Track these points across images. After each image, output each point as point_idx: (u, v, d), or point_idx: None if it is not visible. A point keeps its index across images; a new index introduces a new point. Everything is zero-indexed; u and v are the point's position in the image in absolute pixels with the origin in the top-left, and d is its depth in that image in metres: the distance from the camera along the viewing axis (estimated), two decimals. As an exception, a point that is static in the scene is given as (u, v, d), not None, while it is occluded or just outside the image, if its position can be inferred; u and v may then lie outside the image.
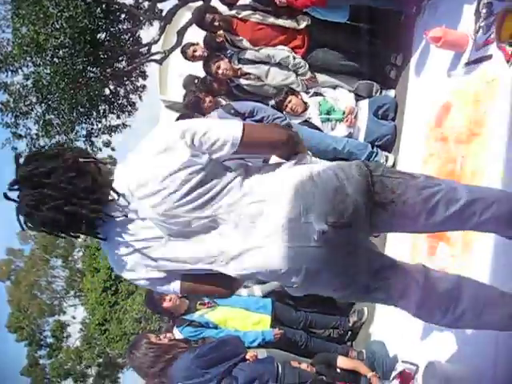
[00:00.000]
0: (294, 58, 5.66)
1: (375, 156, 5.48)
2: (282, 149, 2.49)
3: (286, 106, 5.60)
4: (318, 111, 5.66)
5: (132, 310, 23.55)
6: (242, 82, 5.80)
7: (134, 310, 23.33)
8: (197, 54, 5.97)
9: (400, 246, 4.28)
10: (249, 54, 5.70)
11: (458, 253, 3.64)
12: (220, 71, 5.64)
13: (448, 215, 2.33)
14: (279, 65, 5.70)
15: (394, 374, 4.21)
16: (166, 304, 5.21)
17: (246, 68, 5.75)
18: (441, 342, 3.49)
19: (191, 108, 5.64)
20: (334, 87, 5.86)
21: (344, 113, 5.63)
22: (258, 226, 2.27)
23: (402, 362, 4.16)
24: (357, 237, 2.31)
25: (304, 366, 4.52)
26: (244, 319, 5.26)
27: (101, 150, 13.91)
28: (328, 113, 5.66)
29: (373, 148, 5.52)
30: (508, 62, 3.51)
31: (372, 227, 2.36)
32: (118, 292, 24.76)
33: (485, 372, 3.20)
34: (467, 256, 3.53)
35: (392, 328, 4.43)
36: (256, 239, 2.27)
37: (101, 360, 29.42)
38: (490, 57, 3.79)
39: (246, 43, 5.69)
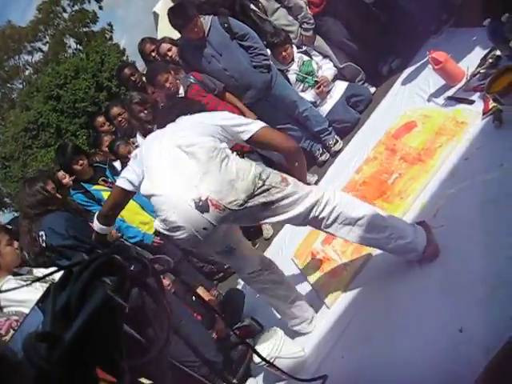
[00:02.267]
0: (307, 10, 5.57)
1: (327, 134, 5.55)
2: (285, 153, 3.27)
3: (281, 52, 5.57)
4: (298, 68, 5.66)
5: (41, 160, 23.16)
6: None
7: (43, 161, 22.96)
8: None
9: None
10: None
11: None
12: None
13: None
14: (289, 9, 5.61)
15: (239, 324, 4.34)
16: (75, 166, 5.18)
17: (268, 4, 5.64)
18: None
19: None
20: (324, 56, 5.82)
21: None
22: None
23: (251, 318, 4.29)
24: None
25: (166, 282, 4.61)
26: (135, 214, 5.26)
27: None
28: (307, 74, 5.65)
29: (329, 128, 5.57)
30: (484, 114, 3.57)
31: None
32: (37, 138, 24.26)
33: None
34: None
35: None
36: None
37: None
38: (471, 102, 3.84)
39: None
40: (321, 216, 3.05)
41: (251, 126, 3.15)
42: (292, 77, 5.67)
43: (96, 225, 3.40)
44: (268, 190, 2.92)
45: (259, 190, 2.91)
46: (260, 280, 3.54)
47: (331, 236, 4.03)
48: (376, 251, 3.51)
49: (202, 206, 2.81)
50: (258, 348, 3.52)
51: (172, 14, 5.18)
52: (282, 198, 2.96)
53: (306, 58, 5.73)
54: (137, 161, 3.17)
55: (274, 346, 3.39)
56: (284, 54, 5.61)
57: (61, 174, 5.86)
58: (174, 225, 2.90)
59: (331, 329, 3.49)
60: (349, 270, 3.71)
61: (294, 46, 5.72)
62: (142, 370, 0.90)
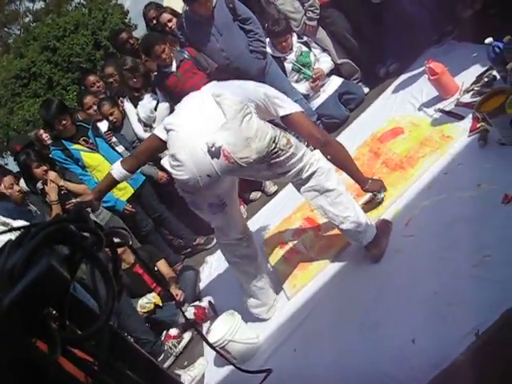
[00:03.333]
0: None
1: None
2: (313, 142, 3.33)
3: (281, 41, 5.55)
4: (295, 58, 5.65)
5: (28, 109, 22.92)
6: None
7: (30, 111, 22.72)
8: None
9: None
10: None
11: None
12: None
13: None
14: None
15: (196, 303, 4.36)
16: (57, 126, 5.14)
17: None
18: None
19: None
20: (324, 50, 5.81)
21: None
22: None
23: (209, 301, 4.32)
24: None
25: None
26: None
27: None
28: (303, 65, 5.63)
29: (317, 121, 5.57)
30: (470, 131, 3.58)
31: None
32: (27, 87, 23.98)
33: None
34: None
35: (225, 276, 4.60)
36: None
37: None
38: (461, 118, 3.85)
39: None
40: (301, 176, 3.22)
41: (291, 106, 3.24)
42: (288, 66, 5.65)
43: (117, 169, 3.34)
44: (277, 152, 3.04)
45: (271, 154, 3.03)
46: (236, 251, 3.62)
47: (302, 229, 4.08)
48: (343, 251, 3.55)
49: (214, 152, 2.90)
50: (214, 329, 3.56)
51: None
52: (284, 160, 3.10)
53: (304, 48, 5.71)
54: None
55: (229, 329, 3.42)
56: (284, 43, 5.58)
57: (41, 132, 5.82)
58: (180, 163, 2.97)
59: (288, 320, 3.53)
60: (314, 265, 3.73)
61: (294, 34, 5.69)
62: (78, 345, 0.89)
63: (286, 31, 5.54)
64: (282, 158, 3.08)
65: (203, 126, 2.96)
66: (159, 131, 3.22)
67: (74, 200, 3.57)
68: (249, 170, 3.08)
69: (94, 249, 0.88)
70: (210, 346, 1.38)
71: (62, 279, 0.78)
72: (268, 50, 5.53)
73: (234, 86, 3.17)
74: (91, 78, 6.34)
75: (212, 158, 2.91)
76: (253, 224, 5.01)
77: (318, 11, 5.59)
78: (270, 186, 5.58)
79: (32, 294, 0.75)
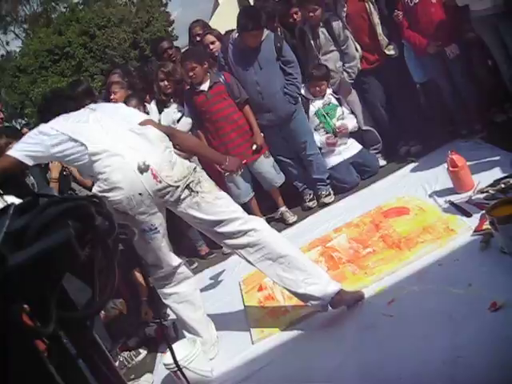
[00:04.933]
0: (358, 63, 5.61)
1: (322, 185, 5.55)
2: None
3: (315, 85, 5.58)
4: (322, 105, 5.69)
5: (50, 86, 23.00)
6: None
7: (51, 88, 22.81)
8: None
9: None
10: (336, 27, 5.53)
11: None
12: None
13: None
14: (343, 53, 5.60)
15: (159, 320, 4.30)
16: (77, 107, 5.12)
17: (325, 43, 5.62)
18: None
19: None
20: (352, 112, 5.85)
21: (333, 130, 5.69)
22: None
23: (174, 322, 4.25)
24: None
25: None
26: None
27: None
28: (327, 114, 5.67)
29: (327, 179, 5.58)
30: (475, 231, 3.58)
31: None
32: (57, 64, 24.14)
33: None
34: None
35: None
36: None
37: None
38: (469, 215, 3.85)
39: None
40: (243, 241, 3.37)
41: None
42: (313, 109, 5.68)
43: None
44: (198, 180, 3.37)
45: (191, 177, 3.35)
46: (172, 282, 3.62)
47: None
48: (318, 312, 3.51)
49: (143, 168, 3.19)
50: (169, 353, 3.49)
51: (245, 14, 5.18)
52: (207, 195, 3.37)
53: (334, 101, 5.75)
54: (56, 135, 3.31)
55: (186, 355, 3.36)
56: (318, 88, 5.63)
57: None
58: (114, 185, 3.18)
59: (246, 363, 3.47)
60: (287, 317, 3.69)
61: (330, 86, 5.74)
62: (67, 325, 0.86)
63: (324, 77, 5.59)
64: (205, 190, 3.38)
65: (131, 150, 3.24)
66: (23, 157, 3.29)
67: None
68: (174, 198, 3.33)
69: (105, 235, 0.86)
70: (176, 363, 1.34)
71: (75, 255, 0.76)
72: (302, 90, 5.57)
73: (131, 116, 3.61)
74: (113, 78, 6.40)
75: (141, 173, 3.19)
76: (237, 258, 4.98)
77: (354, 75, 5.64)
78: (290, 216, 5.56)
79: (42, 261, 0.73)
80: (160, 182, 3.23)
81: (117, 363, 4.13)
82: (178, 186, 3.29)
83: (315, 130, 5.70)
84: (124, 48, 24.32)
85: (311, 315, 3.58)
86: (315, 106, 5.69)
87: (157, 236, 3.41)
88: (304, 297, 3.37)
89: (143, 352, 4.28)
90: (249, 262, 3.45)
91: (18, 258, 0.73)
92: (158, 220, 3.41)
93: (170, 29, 27.32)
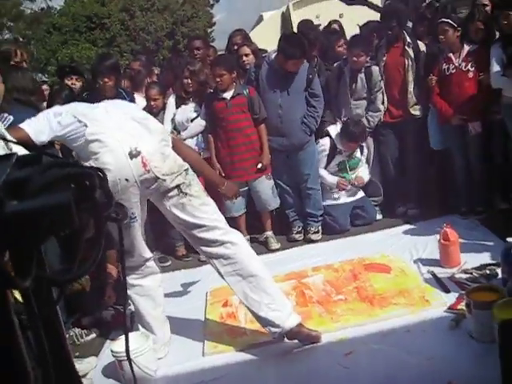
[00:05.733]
0: (381, 115, 5.64)
1: (314, 221, 5.53)
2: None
3: (352, 142, 5.56)
4: (347, 157, 5.69)
5: (78, 51, 23.04)
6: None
7: (79, 53, 22.88)
8: None
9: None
10: (375, 76, 5.56)
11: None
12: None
13: None
14: (370, 101, 5.65)
15: (120, 307, 4.27)
16: (99, 80, 5.14)
17: (361, 89, 5.65)
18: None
19: None
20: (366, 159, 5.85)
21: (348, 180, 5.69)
22: None
23: (133, 312, 4.21)
24: None
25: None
26: None
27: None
28: (350, 169, 5.70)
29: (319, 217, 5.57)
30: (449, 308, 3.59)
31: None
32: (91, 31, 24.19)
33: None
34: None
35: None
36: None
37: None
38: (447, 291, 3.87)
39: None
40: (219, 251, 3.38)
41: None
42: (338, 158, 5.67)
43: None
44: (188, 181, 3.38)
45: (180, 177, 3.36)
46: (134, 277, 3.60)
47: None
48: (276, 343, 3.49)
49: (134, 154, 3.21)
50: (119, 341, 3.46)
51: (291, 42, 5.18)
52: (195, 206, 3.37)
53: (358, 154, 5.73)
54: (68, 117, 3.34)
55: (135, 349, 3.32)
56: (350, 145, 5.58)
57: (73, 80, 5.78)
58: (103, 165, 3.11)
59: (191, 374, 3.44)
60: (244, 339, 3.68)
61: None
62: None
63: (361, 136, 5.56)
64: (193, 193, 3.38)
65: (128, 137, 3.28)
66: (35, 134, 3.30)
67: None
68: (160, 192, 3.36)
69: (102, 208, 0.86)
70: (127, 353, 1.30)
71: (72, 221, 0.75)
72: (337, 142, 5.57)
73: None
74: (135, 64, 6.45)
75: (131, 158, 3.21)
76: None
77: (374, 125, 5.65)
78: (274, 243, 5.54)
79: (38, 216, 0.72)
80: (148, 171, 3.25)
81: (67, 336, 4.09)
82: (164, 180, 3.30)
83: (331, 173, 5.69)
84: (159, 35, 24.38)
85: (267, 344, 3.56)
86: (342, 156, 5.67)
87: (134, 225, 3.42)
88: (264, 321, 3.39)
89: (94, 333, 4.23)
90: (219, 273, 3.45)
91: (16, 206, 0.72)
92: (138, 210, 3.41)
93: (209, 30, 27.43)
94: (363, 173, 5.75)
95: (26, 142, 3.27)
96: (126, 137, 3.26)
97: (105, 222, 0.93)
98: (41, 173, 0.78)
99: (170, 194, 3.36)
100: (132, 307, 4.26)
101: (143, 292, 3.64)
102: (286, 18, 19.96)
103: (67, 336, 4.05)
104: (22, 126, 3.32)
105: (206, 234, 3.38)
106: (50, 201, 0.73)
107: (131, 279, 3.59)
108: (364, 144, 5.76)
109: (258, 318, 3.42)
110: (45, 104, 4.92)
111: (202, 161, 4.13)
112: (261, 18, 23.01)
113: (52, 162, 0.85)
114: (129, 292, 3.63)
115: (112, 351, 3.40)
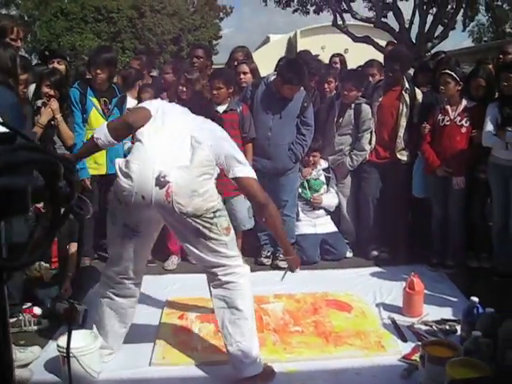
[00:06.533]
0: (366, 154, 5.66)
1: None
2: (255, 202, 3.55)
3: (307, 157, 5.65)
4: (308, 177, 5.75)
5: (81, 39, 23.00)
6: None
7: (82, 42, 22.84)
8: None
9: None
10: (364, 115, 5.60)
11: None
12: None
13: None
14: (357, 139, 5.67)
15: (75, 302, 4.20)
16: (93, 70, 5.17)
17: (346, 124, 5.71)
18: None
19: None
20: (337, 193, 5.87)
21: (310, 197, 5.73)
22: None
23: (86, 309, 4.14)
24: None
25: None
26: None
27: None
28: (309, 188, 5.74)
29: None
30: (403, 357, 3.57)
31: None
32: (97, 23, 24.19)
33: None
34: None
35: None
36: None
37: None
38: (404, 340, 3.86)
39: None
40: (220, 277, 3.26)
41: (244, 169, 3.34)
42: (300, 179, 5.72)
43: (104, 136, 3.27)
44: (210, 225, 3.12)
45: (204, 219, 3.10)
46: (115, 287, 3.48)
47: (209, 318, 3.98)
48: (225, 364, 3.42)
49: (161, 182, 3.01)
50: (64, 337, 3.40)
51: (291, 68, 5.16)
52: (213, 241, 3.16)
53: (323, 178, 5.80)
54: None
55: (82, 347, 3.27)
56: (308, 159, 5.67)
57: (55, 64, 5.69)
58: (129, 172, 3.05)
59: (134, 381, 3.37)
60: (195, 355, 3.62)
61: (324, 163, 5.80)
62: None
63: (317, 150, 5.66)
64: (212, 236, 3.14)
65: (168, 155, 3.10)
66: (151, 107, 3.32)
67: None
68: (177, 221, 3.14)
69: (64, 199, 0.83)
70: (67, 351, 1.27)
71: (24, 208, 0.72)
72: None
73: (214, 139, 3.29)
74: (134, 61, 6.43)
75: (155, 185, 3.01)
76: (184, 279, 4.94)
77: (357, 163, 5.68)
78: None
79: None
80: (169, 202, 3.03)
81: (15, 319, 4.01)
82: (184, 218, 3.09)
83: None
84: (165, 39, 24.46)
85: (216, 364, 3.51)
86: (303, 176, 5.74)
87: (133, 239, 3.27)
88: (229, 355, 3.31)
89: (44, 324, 4.15)
90: (210, 290, 3.35)
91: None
92: (145, 227, 3.28)
93: (215, 42, 27.57)
94: (326, 198, 5.77)
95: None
96: (165, 157, 3.08)
97: (66, 215, 0.89)
98: (7, 153, 0.74)
99: (188, 228, 3.15)
100: (85, 307, 4.21)
101: (115, 307, 3.52)
102: (291, 44, 20.20)
103: (15, 319, 3.98)
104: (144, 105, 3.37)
105: (215, 268, 3.26)
106: (11, 182, 0.70)
107: (108, 290, 3.49)
108: (331, 175, 5.82)
109: (227, 352, 3.32)
110: (32, 87, 4.88)
111: (279, 219, 3.77)
112: (267, 40, 23.26)
113: (22, 145, 0.82)
114: (101, 298, 3.55)
115: (58, 345, 3.33)
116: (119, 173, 3.11)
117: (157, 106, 3.35)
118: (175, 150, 3.14)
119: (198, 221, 3.09)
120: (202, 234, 3.12)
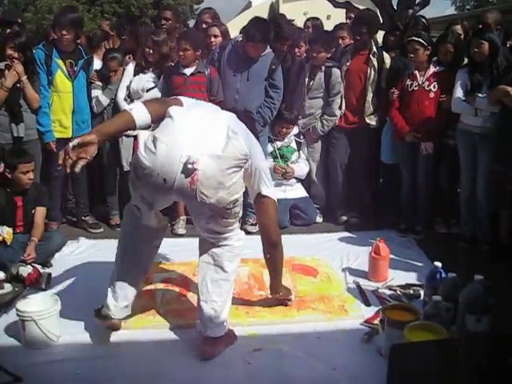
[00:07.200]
0: (336, 119, 5.64)
1: (251, 213, 5.36)
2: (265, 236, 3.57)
3: (283, 127, 5.65)
4: (279, 146, 5.75)
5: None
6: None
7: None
8: None
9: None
10: (334, 78, 5.54)
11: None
12: None
13: None
14: (327, 104, 5.63)
15: (38, 266, 4.17)
16: (57, 33, 5.08)
17: (317, 88, 5.65)
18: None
19: None
20: (307, 159, 5.85)
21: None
22: None
23: (49, 274, 4.11)
24: None
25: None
26: (67, 112, 5.24)
27: None
28: (281, 156, 5.74)
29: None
30: (365, 321, 3.58)
31: None
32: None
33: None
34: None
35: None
36: None
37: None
38: (368, 304, 3.87)
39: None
40: (217, 240, 3.21)
41: (272, 190, 3.39)
42: (270, 148, 5.68)
43: (142, 113, 2.96)
44: (228, 213, 3.04)
45: (223, 209, 3.00)
46: (132, 249, 3.39)
47: (174, 281, 4.00)
48: (188, 328, 3.44)
49: (187, 170, 2.81)
50: (30, 299, 3.45)
51: (255, 25, 5.05)
52: (225, 223, 3.12)
53: (293, 145, 5.77)
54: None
55: (41, 311, 3.28)
56: (284, 130, 5.64)
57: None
58: (154, 150, 2.83)
59: (91, 346, 3.35)
60: (156, 319, 3.61)
61: (296, 128, 5.77)
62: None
63: (292, 122, 5.62)
64: (226, 221, 3.09)
65: (200, 140, 2.87)
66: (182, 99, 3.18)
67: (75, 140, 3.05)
68: (195, 206, 3.01)
69: None
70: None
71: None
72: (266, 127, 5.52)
73: (248, 138, 3.17)
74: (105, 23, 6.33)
75: (181, 172, 2.81)
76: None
77: (328, 128, 5.64)
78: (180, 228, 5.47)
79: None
80: (192, 190, 2.86)
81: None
82: (208, 204, 2.93)
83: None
84: (145, 3, 24.13)
85: (176, 328, 3.51)
86: (274, 145, 5.71)
87: (148, 208, 3.16)
88: (199, 311, 3.24)
89: (7, 288, 4.11)
90: (200, 244, 3.29)
91: None
92: (161, 203, 3.26)
93: (196, 6, 27.21)
94: (297, 167, 5.75)
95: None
96: (196, 140, 2.86)
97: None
98: None
99: (203, 211, 3.03)
100: (49, 270, 4.17)
101: (133, 238, 3.39)
102: (273, 9, 19.91)
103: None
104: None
105: (217, 234, 3.21)
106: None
107: (130, 217, 3.35)
108: (302, 141, 5.79)
109: (198, 305, 3.28)
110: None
111: (282, 260, 3.68)
112: (249, 5, 22.94)
113: None
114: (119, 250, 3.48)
115: (16, 309, 3.29)
116: (142, 147, 2.90)
117: (187, 99, 3.22)
118: (208, 136, 2.93)
119: (215, 209, 2.99)
120: (215, 217, 3.04)
